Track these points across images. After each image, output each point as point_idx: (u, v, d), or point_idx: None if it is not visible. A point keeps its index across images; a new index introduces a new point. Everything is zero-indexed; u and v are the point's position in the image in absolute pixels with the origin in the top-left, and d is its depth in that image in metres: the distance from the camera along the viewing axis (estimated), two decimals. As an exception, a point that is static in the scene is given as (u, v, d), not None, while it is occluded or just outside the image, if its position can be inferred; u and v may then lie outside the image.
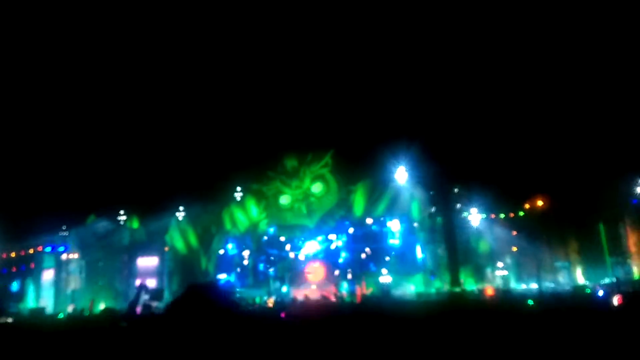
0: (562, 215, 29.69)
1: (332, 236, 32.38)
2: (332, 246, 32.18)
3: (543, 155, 28.35)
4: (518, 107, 30.12)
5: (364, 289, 27.80)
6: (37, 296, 30.37)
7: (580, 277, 27.96)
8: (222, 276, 31.64)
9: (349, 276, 30.37)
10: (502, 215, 31.23)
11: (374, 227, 32.04)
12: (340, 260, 31.65)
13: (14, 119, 31.23)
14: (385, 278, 29.30)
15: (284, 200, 33.76)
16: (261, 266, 32.38)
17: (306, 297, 22.96)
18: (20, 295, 30.50)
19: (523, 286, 26.67)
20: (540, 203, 30.43)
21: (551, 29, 29.62)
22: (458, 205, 30.42)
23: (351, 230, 32.08)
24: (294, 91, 33.52)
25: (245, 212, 34.24)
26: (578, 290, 21.19)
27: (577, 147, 27.23)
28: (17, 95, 31.65)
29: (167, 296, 29.66)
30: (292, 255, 32.15)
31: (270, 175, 34.08)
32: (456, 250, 28.02)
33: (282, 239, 32.67)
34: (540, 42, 30.34)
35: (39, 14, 30.91)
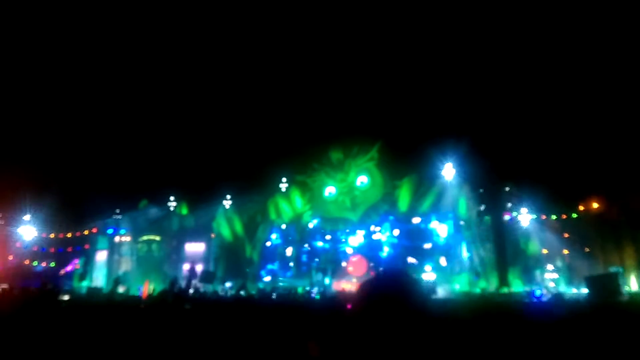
0: (618, 218, 28.41)
1: (375, 229, 32.17)
2: (375, 239, 32.01)
3: (599, 154, 27.17)
4: (574, 103, 28.97)
5: None
6: (90, 276, 31.85)
7: (634, 283, 26.68)
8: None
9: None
10: (553, 217, 30.15)
11: (419, 223, 31.63)
12: (383, 255, 31.46)
13: (72, 106, 32.70)
14: (429, 275, 28.91)
15: (329, 192, 33.77)
16: (304, 257, 32.61)
17: (344, 290, 22.95)
18: (76, 275, 32.08)
19: (574, 290, 25.70)
20: (595, 205, 29.22)
21: (607, 20, 28.23)
22: (508, 205, 29.59)
23: (395, 227, 31.80)
24: (342, 83, 33.48)
25: (289, 203, 34.51)
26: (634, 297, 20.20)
27: (635, 145, 25.93)
28: (75, 84, 33.07)
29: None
30: (334, 247, 32.21)
31: (315, 167, 34.15)
32: (504, 250, 27.29)
33: (326, 231, 32.77)
34: (601, 35, 28.99)
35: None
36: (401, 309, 1.54)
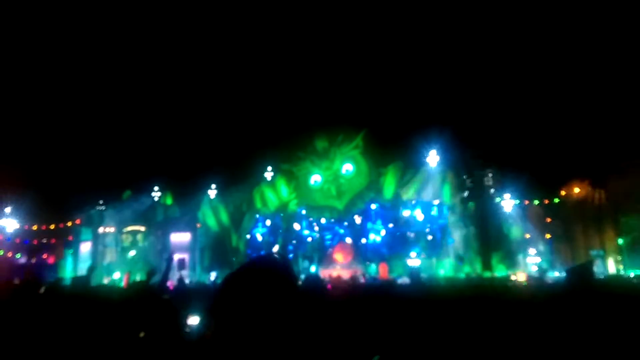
0: (599, 202, 28.95)
1: (358, 219, 32.32)
2: (360, 227, 32.16)
3: (580, 140, 27.57)
4: (555, 90, 29.28)
5: (386, 272, 27.85)
6: (75, 268, 31.55)
7: (611, 266, 27.27)
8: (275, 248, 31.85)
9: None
10: (536, 202, 30.58)
11: (403, 210, 31.84)
12: (368, 242, 31.64)
13: (53, 97, 32.15)
14: (413, 261, 29.18)
15: (314, 180, 33.78)
16: (290, 246, 32.66)
17: (332, 276, 23.03)
18: (58, 267, 31.78)
19: (556, 274, 26.19)
20: (576, 190, 29.69)
21: (589, 9, 28.48)
22: (491, 190, 29.93)
23: (380, 214, 31.96)
24: (326, 72, 33.38)
25: (275, 191, 34.49)
26: (611, 279, 20.67)
27: (614, 131, 26.36)
28: (56, 74, 32.48)
29: (199, 270, 30.48)
30: (321, 235, 32.30)
31: (300, 156, 34.09)
32: (488, 235, 27.65)
33: (312, 219, 32.82)
34: (578, 24, 29.24)
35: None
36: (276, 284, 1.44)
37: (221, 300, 1.44)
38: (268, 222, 33.51)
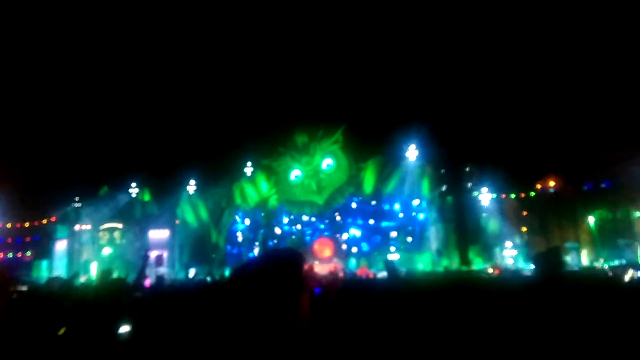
0: (574, 196, 29.59)
1: (338, 214, 32.49)
2: (340, 222, 32.34)
3: (556, 134, 28.06)
4: (530, 85, 29.72)
5: (366, 267, 28.07)
6: (50, 266, 31.03)
7: (584, 258, 27.90)
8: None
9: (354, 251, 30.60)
10: (512, 195, 31.09)
11: (383, 205, 32.10)
12: (348, 237, 31.85)
13: (29, 92, 31.44)
14: (392, 256, 29.47)
15: (294, 176, 33.76)
16: (270, 242, 32.66)
17: (316, 273, 23.04)
18: (33, 265, 31.23)
19: (531, 266, 26.66)
20: (552, 183, 30.27)
21: (560, 12, 28.95)
22: (469, 185, 30.32)
23: (360, 208, 32.18)
24: (305, 66, 33.28)
25: (255, 187, 34.36)
26: (585, 271, 21.13)
27: (589, 126, 26.89)
28: (31, 68, 31.76)
29: (177, 267, 30.21)
30: (301, 231, 32.39)
31: (280, 151, 34.02)
32: (466, 229, 28.03)
33: (292, 215, 32.88)
34: (554, 23, 29.71)
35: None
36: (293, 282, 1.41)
37: (233, 292, 1.40)
38: (247, 221, 33.43)
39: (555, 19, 29.45)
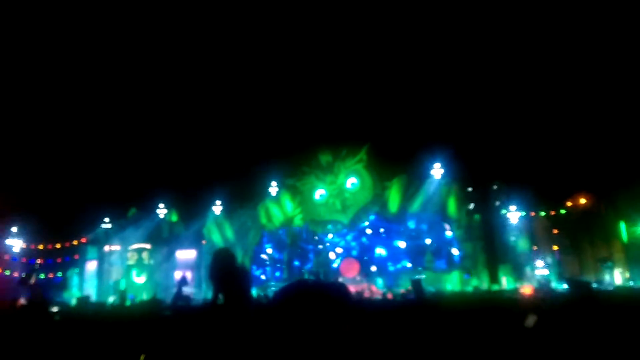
0: (605, 212, 28.81)
1: (366, 231, 32.26)
2: (366, 242, 32.08)
3: (587, 151, 27.50)
4: (560, 102, 29.30)
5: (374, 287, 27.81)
6: (81, 287, 31.56)
7: (618, 277, 27.02)
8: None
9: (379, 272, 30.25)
10: (542, 213, 30.44)
11: (408, 224, 31.76)
12: (374, 256, 31.52)
13: (56, 111, 32.39)
14: (420, 275, 29.02)
15: (319, 195, 33.77)
16: (296, 261, 32.56)
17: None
18: (65, 286, 31.80)
19: (564, 286, 25.93)
20: (582, 201, 29.57)
21: (593, 30, 28.61)
22: (497, 203, 29.82)
23: (385, 226, 31.89)
24: (329, 86, 33.55)
25: (280, 207, 34.49)
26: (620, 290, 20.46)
27: (621, 142, 26.30)
28: (58, 88, 32.79)
29: (204, 287, 30.35)
30: (326, 250, 32.21)
31: (305, 171, 34.15)
32: (495, 248, 27.49)
33: (317, 234, 32.78)
34: (584, 37, 29.36)
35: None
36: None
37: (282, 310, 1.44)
38: (272, 241, 33.44)
39: (585, 36, 29.10)
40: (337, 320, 1.41)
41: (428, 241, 30.89)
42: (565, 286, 25.37)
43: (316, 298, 1.44)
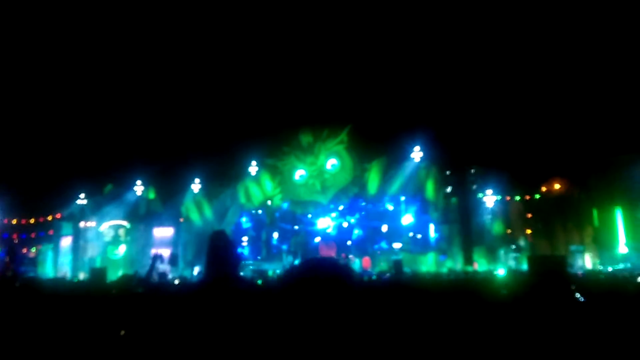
0: (578, 198, 29.50)
1: (342, 211, 32.45)
2: (345, 224, 32.33)
3: (562, 137, 27.99)
4: (537, 87, 29.64)
5: (369, 266, 28.19)
6: (55, 263, 31.19)
7: (588, 261, 27.81)
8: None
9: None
10: (517, 198, 31.02)
11: (387, 206, 32.06)
12: (352, 237, 31.81)
13: (34, 90, 31.58)
14: (397, 257, 29.43)
15: (299, 175, 33.77)
16: (274, 241, 32.68)
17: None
18: (38, 261, 31.41)
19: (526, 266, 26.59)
20: (556, 186, 30.18)
21: (564, 12, 28.84)
22: (473, 187, 30.28)
23: (363, 207, 32.15)
24: (310, 66, 33.28)
25: (259, 186, 34.41)
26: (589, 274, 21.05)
27: (596, 129, 26.81)
28: (37, 66, 31.91)
29: (181, 264, 30.27)
30: (305, 230, 32.36)
31: (285, 151, 34.06)
32: (470, 231, 27.99)
33: (296, 214, 32.87)
34: (557, 24, 29.62)
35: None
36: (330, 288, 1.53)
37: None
38: (251, 220, 33.42)
39: (558, 20, 29.38)
40: (346, 298, 1.50)
41: (405, 222, 31.27)
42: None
43: (330, 277, 1.53)
